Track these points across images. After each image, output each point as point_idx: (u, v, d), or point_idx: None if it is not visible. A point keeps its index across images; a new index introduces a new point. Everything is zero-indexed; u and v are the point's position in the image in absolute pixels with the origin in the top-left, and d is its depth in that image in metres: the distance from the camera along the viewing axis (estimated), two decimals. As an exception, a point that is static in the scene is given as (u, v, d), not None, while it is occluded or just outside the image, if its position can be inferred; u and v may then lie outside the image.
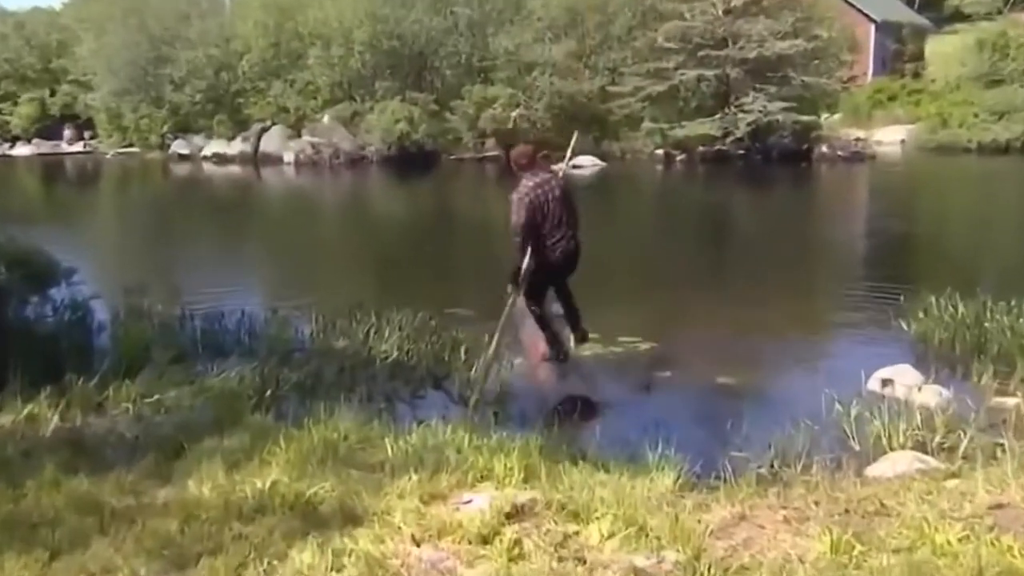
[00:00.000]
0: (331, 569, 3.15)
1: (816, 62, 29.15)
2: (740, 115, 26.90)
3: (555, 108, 29.06)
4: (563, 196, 6.51)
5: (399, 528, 3.42)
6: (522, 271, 6.29)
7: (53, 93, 36.98)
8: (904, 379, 5.90)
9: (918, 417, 5.10)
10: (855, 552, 3.13)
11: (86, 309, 6.58)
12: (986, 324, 6.78)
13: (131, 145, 33.77)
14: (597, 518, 3.43)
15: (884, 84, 36.81)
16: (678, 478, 3.94)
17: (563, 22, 30.04)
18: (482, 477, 3.93)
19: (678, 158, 28.06)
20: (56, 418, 4.84)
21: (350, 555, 3.21)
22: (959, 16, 47.70)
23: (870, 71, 39.77)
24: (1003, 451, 4.38)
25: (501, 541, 3.27)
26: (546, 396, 6.18)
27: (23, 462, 4.24)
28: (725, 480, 4.02)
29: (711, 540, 3.30)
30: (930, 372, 6.07)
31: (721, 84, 28.16)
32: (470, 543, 3.30)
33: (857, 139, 29.70)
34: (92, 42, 34.12)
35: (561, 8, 29.97)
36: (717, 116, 27.34)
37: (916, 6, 48.39)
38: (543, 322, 6.75)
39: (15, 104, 37.30)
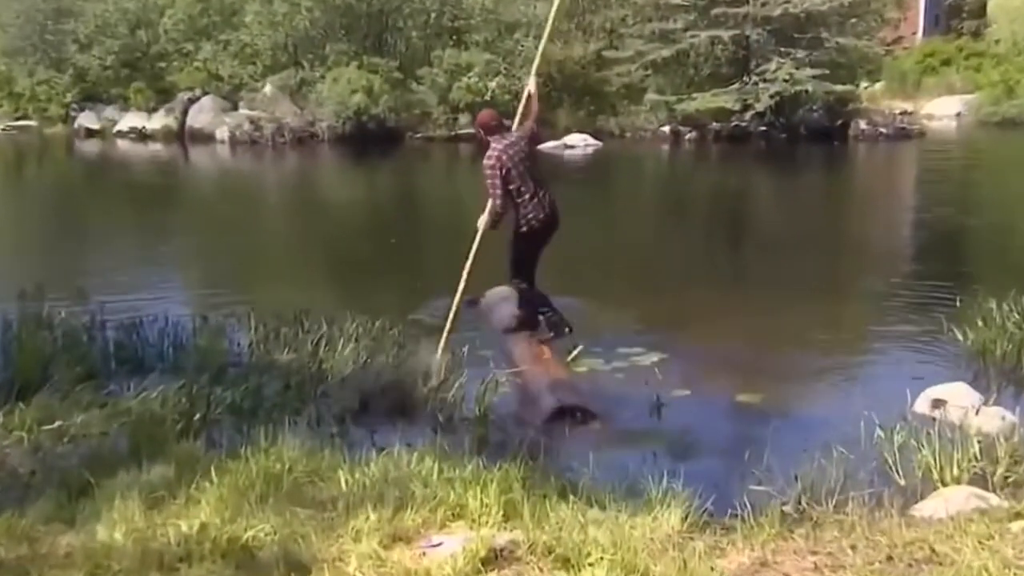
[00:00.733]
0: (272, 628, 3.16)
1: (854, 21, 29.45)
2: (761, 85, 27.15)
3: (541, 77, 29.15)
4: (531, 152, 7.47)
5: (354, 577, 3.43)
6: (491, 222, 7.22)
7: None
8: (959, 400, 5.96)
9: (976, 446, 5.12)
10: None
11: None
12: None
13: (25, 117, 33.29)
14: (590, 564, 3.45)
15: (936, 46, 37.04)
16: (687, 516, 3.97)
17: (551, -27, 30.22)
18: (454, 515, 3.95)
19: (687, 136, 28.27)
20: (-70, 452, 4.81)
21: (295, 610, 3.22)
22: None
23: (920, 31, 40.07)
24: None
25: (476, 592, 3.30)
26: (531, 417, 6.20)
27: None
28: (743, 519, 4.06)
29: (726, 590, 3.33)
30: (990, 391, 6.13)
31: (739, 48, 28.40)
32: (439, 595, 3.32)
33: (903, 113, 30.11)
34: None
35: (549, -45, 30.18)
36: (734, 86, 27.57)
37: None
38: (533, 299, 7.40)
39: None
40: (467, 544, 3.61)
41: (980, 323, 7.30)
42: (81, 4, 32.12)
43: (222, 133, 29.07)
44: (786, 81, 26.82)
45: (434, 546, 3.69)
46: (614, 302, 9.04)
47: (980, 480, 4.87)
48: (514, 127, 7.68)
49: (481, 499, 4.00)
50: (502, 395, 6.32)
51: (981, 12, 41.24)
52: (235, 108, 29.97)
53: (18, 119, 33.42)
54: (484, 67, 28.85)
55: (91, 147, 29.73)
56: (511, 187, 7.26)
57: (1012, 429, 5.42)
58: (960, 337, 7.32)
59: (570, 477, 4.71)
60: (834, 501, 4.53)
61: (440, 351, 6.98)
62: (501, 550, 3.59)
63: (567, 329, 7.64)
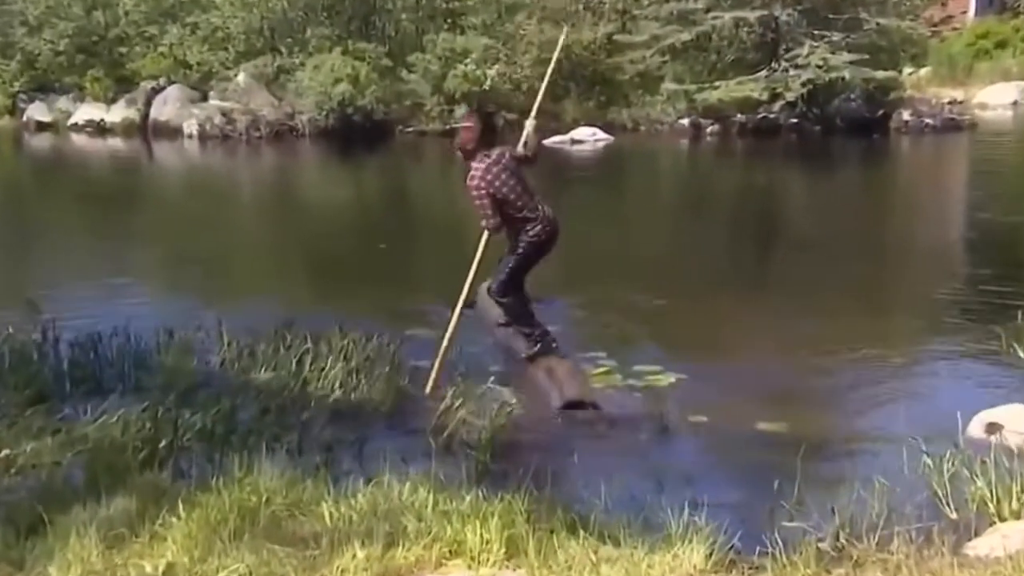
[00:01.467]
0: None
1: (896, -1, 29.54)
2: (792, 72, 27.17)
3: (546, 64, 29.23)
4: (516, 166, 7.66)
5: (339, 623, 3.44)
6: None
7: None
8: (1018, 424, 5.96)
9: (1038, 476, 5.13)
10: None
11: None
12: None
13: (-35, 109, 33.41)
14: (604, 607, 3.46)
15: (990, 26, 36.90)
16: (711, 553, 3.98)
17: (558, -52, 30.30)
18: (451, 552, 3.95)
19: (709, 129, 28.29)
20: None
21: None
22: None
23: (971, 9, 39.98)
24: None
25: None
26: (537, 443, 6.22)
27: None
28: (774, 557, 4.06)
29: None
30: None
31: (767, 31, 28.43)
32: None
33: (952, 102, 30.05)
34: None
35: (555, -71, 30.26)
36: (762, 73, 27.59)
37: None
38: (519, 313, 7.79)
39: None
40: (465, 585, 3.62)
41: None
42: (31, -20, 32.15)
43: (190, 127, 29.08)
44: (820, 67, 26.81)
45: (429, 587, 3.69)
46: (628, 314, 9.07)
47: (1042, 515, 4.87)
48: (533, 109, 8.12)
49: (481, 534, 4.00)
50: (507, 417, 6.35)
51: (1043, -14, 41.11)
52: (204, 99, 30.00)
53: (-44, 111, 33.41)
54: (482, 53, 28.88)
55: (42, 142, 29.78)
56: (511, 211, 7.49)
57: (1080, 458, 5.40)
58: (1022, 354, 7.31)
59: (580, 509, 4.70)
60: (877, 538, 4.50)
61: (436, 368, 7.05)
62: (503, 592, 3.59)
63: (554, 343, 7.85)
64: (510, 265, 7.70)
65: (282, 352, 7.09)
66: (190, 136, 28.85)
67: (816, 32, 27.44)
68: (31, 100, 32.30)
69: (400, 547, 3.98)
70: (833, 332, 8.48)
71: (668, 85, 28.69)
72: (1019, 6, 38.87)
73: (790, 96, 26.99)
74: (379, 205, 18.90)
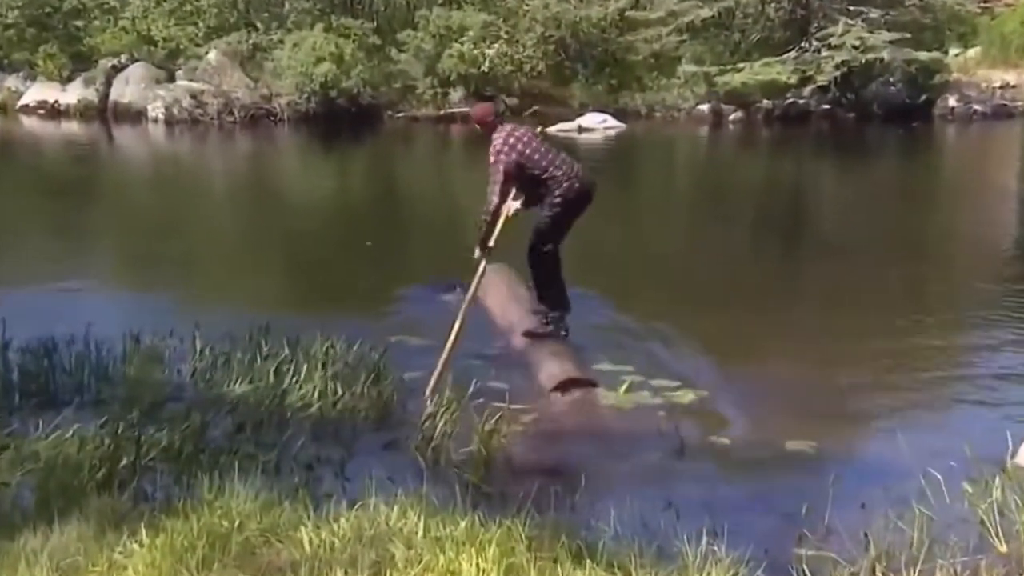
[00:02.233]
0: None
1: (942, -29, 29.52)
2: (825, 53, 27.21)
3: (551, 44, 29.31)
4: (537, 136, 8.23)
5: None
6: (485, 235, 7.84)
7: None
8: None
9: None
10: None
11: None
12: None
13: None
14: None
15: (1051, 1, 36.99)
16: (731, 585, 3.99)
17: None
18: (443, 584, 3.97)
19: (731, 116, 28.33)
20: None
21: None
22: None
23: (1026, -16, 40.08)
24: None
25: None
26: (540, 462, 6.24)
27: None
28: (802, 589, 4.08)
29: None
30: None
31: (797, 7, 28.52)
32: None
33: (1004, 86, 30.02)
34: None
35: None
36: (790, 54, 27.63)
37: None
38: (548, 287, 8.20)
39: None
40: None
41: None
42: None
43: (155, 109, 29.08)
44: (856, 48, 26.84)
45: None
46: (644, 320, 9.12)
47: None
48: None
49: (477, 563, 4.01)
50: (507, 432, 6.35)
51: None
52: (171, 79, 29.99)
53: None
54: (481, 30, 28.91)
55: (-11, 125, 29.78)
56: (537, 172, 7.91)
57: None
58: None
59: (587, 536, 4.71)
60: (917, 570, 4.53)
61: (440, 366, 7.22)
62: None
63: (564, 332, 8.28)
64: (540, 225, 8.06)
65: (259, 361, 7.10)
66: (155, 120, 28.85)
67: (852, 8, 27.48)
68: (-24, 79, 32.34)
69: (387, 577, 3.99)
70: (869, 343, 8.50)
71: (686, 67, 28.72)
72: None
73: (822, 80, 27.02)
74: (365, 198, 18.91)
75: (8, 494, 5.08)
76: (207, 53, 29.97)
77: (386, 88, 29.15)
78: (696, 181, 21.76)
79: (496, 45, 28.65)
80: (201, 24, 30.99)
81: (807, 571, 4.31)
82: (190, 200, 18.56)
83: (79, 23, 32.08)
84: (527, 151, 7.91)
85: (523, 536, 4.33)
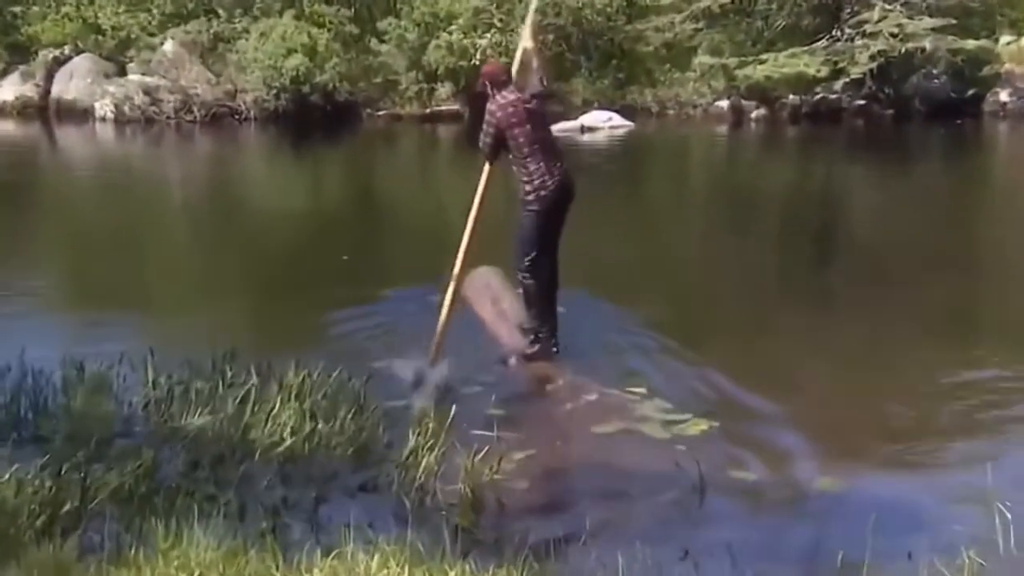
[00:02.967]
0: None
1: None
2: (859, 42, 27.28)
3: (550, 33, 29.34)
4: (543, 113, 8.73)
5: None
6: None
7: None
8: None
9: None
10: None
11: None
12: None
13: None
14: None
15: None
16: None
17: None
18: (430, 643, 3.96)
19: (753, 114, 28.42)
20: None
21: None
22: None
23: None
24: None
25: None
26: (538, 503, 6.23)
27: None
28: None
29: None
30: None
31: (827, -11, 28.54)
32: None
33: (1061, 79, 30.07)
34: None
35: None
36: (820, 44, 27.72)
37: None
38: (534, 301, 8.57)
39: None
40: None
41: None
42: None
43: (103, 107, 29.14)
44: (894, 36, 26.90)
45: None
46: (660, 339, 9.18)
47: None
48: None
49: (468, 619, 4.01)
50: (501, 468, 6.35)
51: None
52: (122, 73, 30.08)
53: None
54: (472, 18, 29.01)
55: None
56: (515, 154, 8.41)
57: None
58: None
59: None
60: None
61: (439, 333, 8.10)
62: None
63: (554, 348, 8.68)
64: (519, 236, 8.53)
65: (221, 391, 7.08)
66: (103, 119, 28.91)
67: (889, -8, 27.51)
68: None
69: (367, 635, 3.98)
70: (910, 371, 8.50)
71: (702, 58, 28.80)
72: None
73: (856, 72, 27.07)
74: (342, 208, 18.93)
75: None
76: (162, 43, 30.07)
77: (365, 83, 29.23)
78: (714, 187, 21.78)
79: (489, 34, 28.71)
80: (155, 11, 31.09)
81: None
82: (143, 211, 18.54)
83: (16, 9, 32.06)
84: (515, 130, 8.38)
85: (520, 587, 4.32)
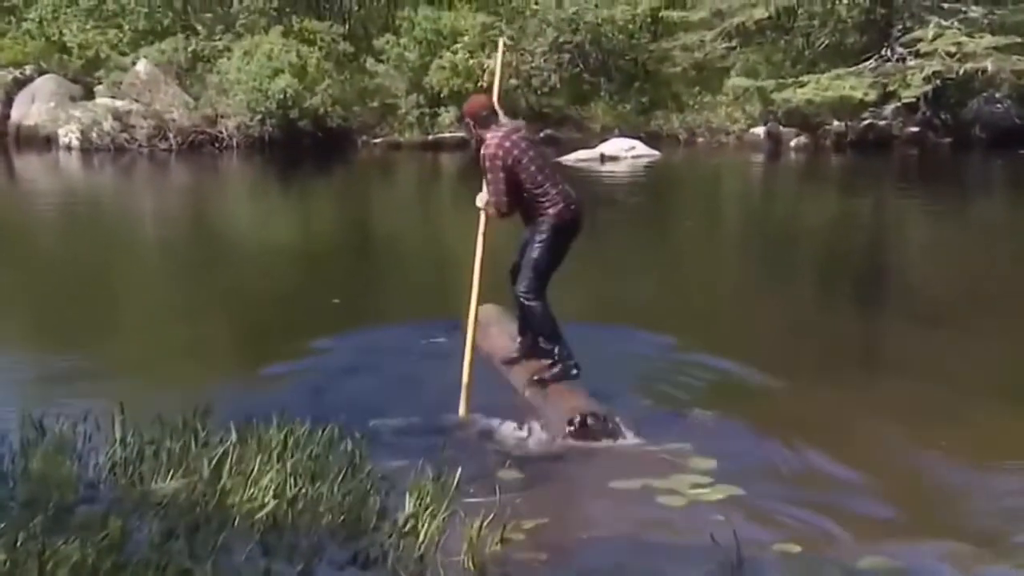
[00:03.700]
0: None
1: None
2: (912, 62, 27.34)
3: (566, 52, 29.52)
4: (539, 143, 9.11)
5: None
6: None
7: None
8: None
9: None
10: None
11: None
12: None
13: None
14: None
15: None
16: None
17: None
18: None
19: (793, 142, 28.47)
20: None
21: None
22: None
23: None
24: None
25: None
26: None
27: None
28: None
29: None
30: None
31: (876, 4, 28.64)
32: None
33: None
34: None
35: None
36: (868, 64, 27.78)
37: None
38: (544, 323, 8.85)
39: None
40: None
41: None
42: None
43: (68, 134, 29.23)
44: (951, 55, 26.94)
45: None
46: (697, 390, 9.26)
47: None
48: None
49: None
50: (511, 534, 6.33)
51: None
52: (89, 96, 30.20)
53: None
54: (479, 35, 29.10)
55: None
56: (529, 185, 8.60)
57: None
58: None
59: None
60: None
61: (465, 387, 8.47)
62: None
63: (575, 370, 8.83)
64: (534, 256, 8.70)
65: (196, 450, 7.05)
66: (68, 147, 29.00)
67: (945, 6, 27.60)
68: None
69: None
70: (968, 434, 8.44)
71: (736, 80, 28.89)
72: None
73: (908, 96, 27.11)
74: (332, 246, 18.94)
75: None
76: (134, 63, 30.17)
77: (360, 108, 29.34)
78: (750, 223, 21.82)
79: (498, 54, 28.74)
80: (127, 27, 31.26)
81: None
82: (111, 250, 18.59)
83: (-30, 25, 32.29)
84: (524, 159, 8.56)
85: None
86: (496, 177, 8.55)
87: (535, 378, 8.84)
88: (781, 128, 28.55)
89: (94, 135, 28.82)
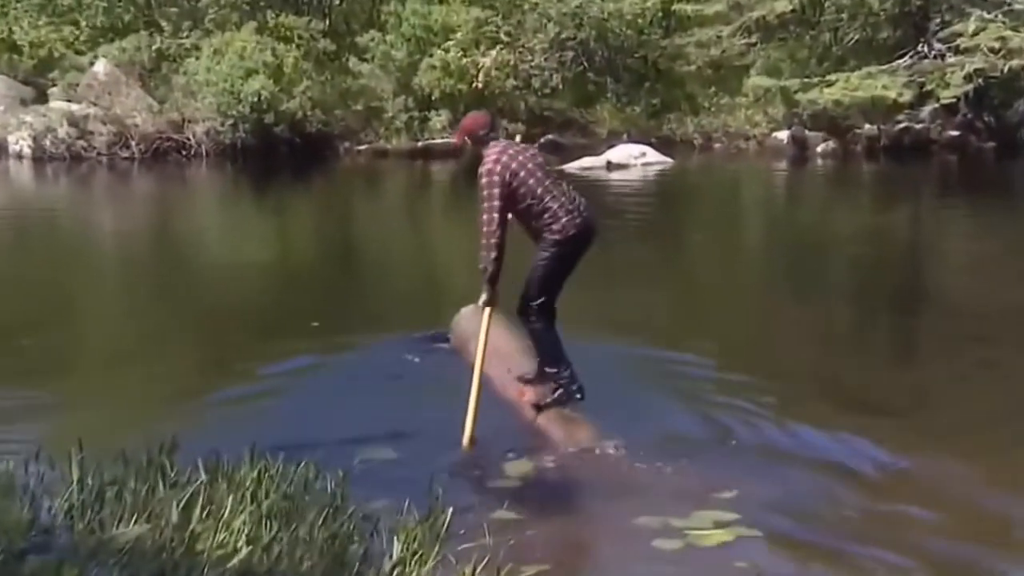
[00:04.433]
0: None
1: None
2: (951, 59, 27.41)
3: (569, 49, 29.58)
4: (539, 155, 9.20)
5: None
6: (493, 272, 8.73)
7: None
8: None
9: None
10: None
11: None
12: None
13: None
14: None
15: None
16: None
17: None
18: None
19: (820, 147, 28.57)
20: None
21: None
22: None
23: None
24: None
25: None
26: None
27: None
28: None
29: None
30: None
31: (906, -1, 28.68)
32: None
33: None
34: None
35: None
36: (902, 62, 27.82)
37: None
38: (547, 344, 8.99)
39: None
40: None
41: None
42: None
43: (19, 141, 29.30)
44: (994, 52, 27.03)
45: None
46: (723, 423, 9.22)
47: None
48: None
49: None
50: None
51: None
52: (43, 99, 30.28)
53: None
54: (472, 32, 29.17)
55: None
56: (530, 201, 8.72)
57: None
58: None
59: None
60: None
61: (471, 417, 8.50)
62: None
63: (578, 394, 8.95)
64: (536, 275, 8.87)
65: (162, 491, 7.03)
66: (19, 156, 29.04)
67: (986, -2, 27.65)
68: None
69: None
70: (1010, 474, 8.44)
71: (756, 80, 28.97)
72: None
73: (947, 96, 27.20)
74: (312, 264, 19.00)
75: None
76: (92, 63, 30.22)
77: (343, 112, 29.42)
78: (773, 236, 21.90)
79: (494, 51, 28.89)
80: (84, 23, 31.28)
81: None
82: (65, 269, 18.63)
83: (-87, 25, 32.39)
84: (522, 173, 8.70)
85: None
86: (491, 194, 8.63)
87: (538, 403, 8.92)
88: (806, 132, 28.63)
89: (48, 142, 28.86)
